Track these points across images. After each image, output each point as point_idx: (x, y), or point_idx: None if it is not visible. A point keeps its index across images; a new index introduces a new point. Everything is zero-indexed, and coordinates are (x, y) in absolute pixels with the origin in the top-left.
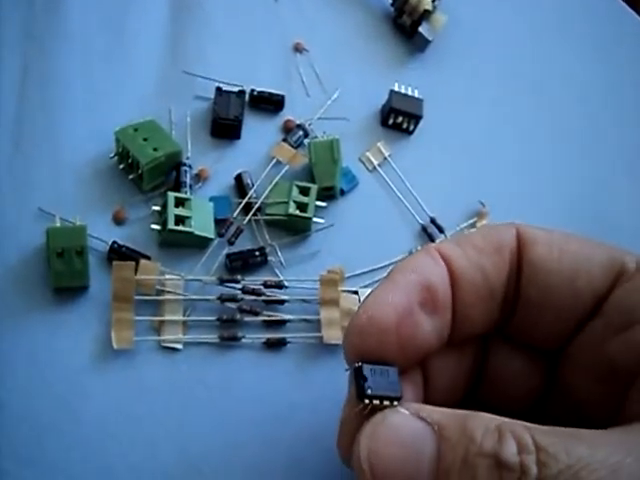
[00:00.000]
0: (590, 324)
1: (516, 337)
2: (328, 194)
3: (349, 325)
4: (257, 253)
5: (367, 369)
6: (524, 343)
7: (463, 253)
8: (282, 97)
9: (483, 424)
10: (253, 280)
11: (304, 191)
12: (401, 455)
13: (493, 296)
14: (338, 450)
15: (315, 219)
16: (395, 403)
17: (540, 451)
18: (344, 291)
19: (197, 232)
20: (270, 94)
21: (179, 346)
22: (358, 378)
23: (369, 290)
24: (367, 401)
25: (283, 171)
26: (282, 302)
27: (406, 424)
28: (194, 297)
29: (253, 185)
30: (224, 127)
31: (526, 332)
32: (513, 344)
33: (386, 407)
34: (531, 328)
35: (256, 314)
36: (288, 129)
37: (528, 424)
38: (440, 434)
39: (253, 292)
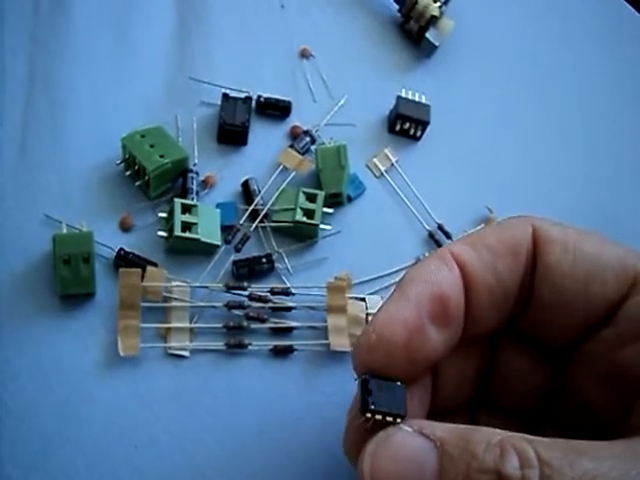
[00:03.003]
0: (602, 332)
1: (526, 333)
2: (335, 200)
3: (358, 340)
4: (264, 260)
5: (373, 383)
6: (533, 339)
7: (478, 256)
8: (289, 103)
9: (485, 439)
10: (260, 287)
11: (311, 198)
12: (404, 471)
13: (506, 298)
14: (345, 454)
15: (322, 226)
16: (398, 420)
17: (544, 465)
18: (351, 298)
19: (204, 239)
20: (277, 100)
21: (185, 353)
22: (363, 392)
23: (376, 297)
24: (369, 415)
25: (290, 177)
26: (289, 309)
27: (408, 442)
28: (201, 304)
29: (260, 192)
30: (231, 133)
31: (536, 329)
32: (522, 342)
33: (389, 423)
34: (542, 326)
35: (263, 321)
36: (295, 135)
37: (531, 437)
38: (442, 450)
39: (260, 299)
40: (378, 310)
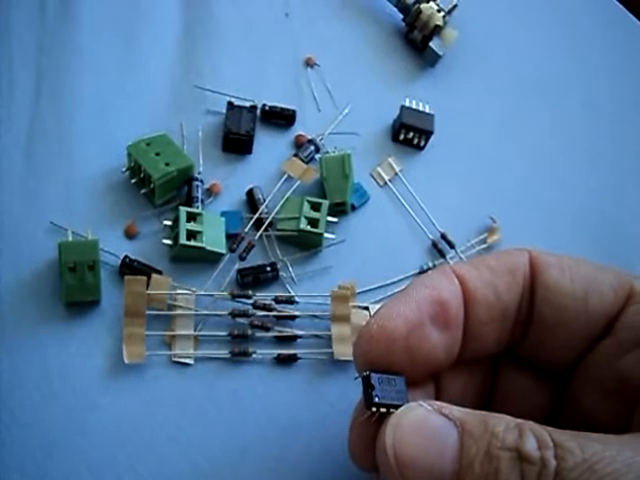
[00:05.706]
0: (601, 343)
1: (527, 358)
2: (339, 209)
3: (360, 333)
4: (268, 268)
5: (375, 378)
6: (535, 364)
7: (478, 273)
8: (293, 112)
9: (503, 422)
10: (264, 295)
11: (315, 206)
12: (425, 445)
13: (505, 316)
14: (350, 453)
15: (326, 235)
16: None
17: (557, 447)
18: (355, 307)
19: (208, 247)
20: (281, 109)
21: (190, 361)
22: (366, 386)
23: (380, 306)
24: (375, 409)
25: (294, 186)
26: (293, 318)
27: (429, 417)
28: (205, 312)
29: (264, 200)
30: (235, 142)
31: (538, 353)
32: (522, 365)
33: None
34: (543, 349)
35: (267, 329)
36: (299, 144)
37: (544, 426)
38: (462, 429)
39: (264, 307)
40: (380, 307)
